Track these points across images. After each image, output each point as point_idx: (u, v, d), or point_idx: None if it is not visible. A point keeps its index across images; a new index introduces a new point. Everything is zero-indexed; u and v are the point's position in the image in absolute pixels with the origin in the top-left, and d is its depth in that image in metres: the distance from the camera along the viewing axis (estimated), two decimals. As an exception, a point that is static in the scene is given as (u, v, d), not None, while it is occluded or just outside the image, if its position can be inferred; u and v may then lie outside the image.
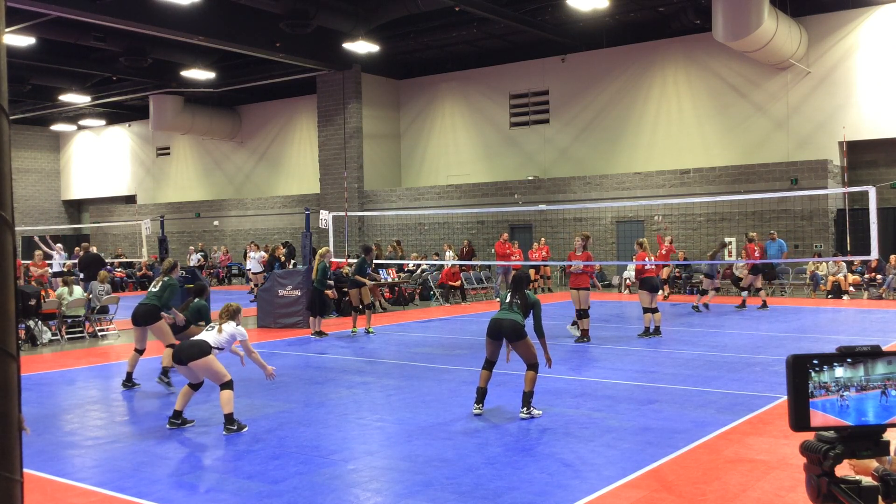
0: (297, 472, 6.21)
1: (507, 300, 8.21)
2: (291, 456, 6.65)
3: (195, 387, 7.87)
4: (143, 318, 9.89)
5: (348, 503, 5.52)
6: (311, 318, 14.89)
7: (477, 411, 8.05)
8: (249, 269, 25.26)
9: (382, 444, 7.08)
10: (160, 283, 10.19)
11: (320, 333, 14.62)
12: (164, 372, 9.94)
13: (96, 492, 5.89)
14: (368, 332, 14.81)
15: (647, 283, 13.74)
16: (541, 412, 7.95)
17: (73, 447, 7.21)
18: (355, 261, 15.94)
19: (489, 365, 8.14)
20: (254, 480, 6.00)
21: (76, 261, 19.42)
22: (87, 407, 9.08)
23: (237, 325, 7.96)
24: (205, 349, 7.61)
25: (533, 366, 7.91)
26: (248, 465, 6.44)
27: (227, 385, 7.62)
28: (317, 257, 14.83)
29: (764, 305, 17.78)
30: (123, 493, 5.79)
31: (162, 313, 9.93)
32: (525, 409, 7.86)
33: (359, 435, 7.41)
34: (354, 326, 15.17)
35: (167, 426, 7.81)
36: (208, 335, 7.83)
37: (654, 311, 13.62)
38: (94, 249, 21.00)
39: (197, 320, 9.77)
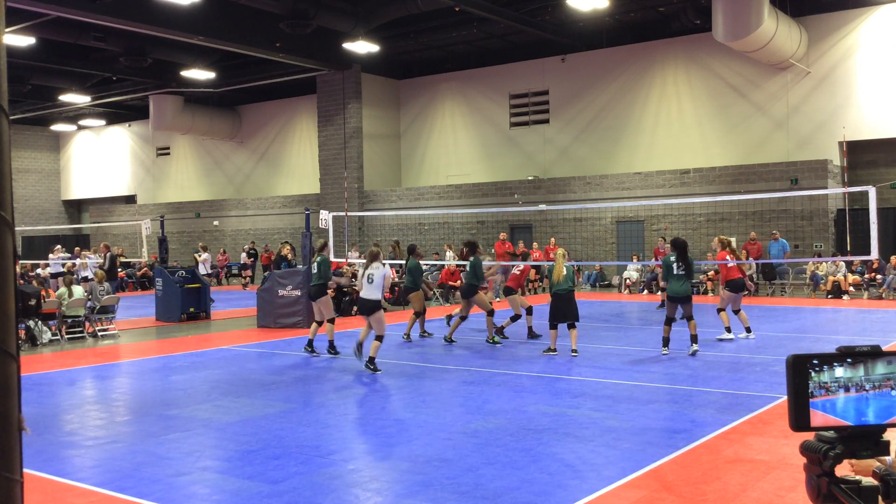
0: (297, 472, 6.20)
1: (676, 272, 11.23)
2: (291, 456, 6.64)
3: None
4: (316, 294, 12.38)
5: (348, 503, 5.52)
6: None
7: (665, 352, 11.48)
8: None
9: (382, 444, 7.08)
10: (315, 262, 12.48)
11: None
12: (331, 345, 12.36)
13: (96, 492, 5.89)
14: None
15: (733, 283, 13.07)
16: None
17: (73, 447, 7.21)
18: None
19: (670, 321, 11.59)
20: (254, 480, 6.00)
21: (101, 261, 19.30)
22: (87, 407, 9.08)
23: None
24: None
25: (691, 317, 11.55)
26: (248, 465, 6.43)
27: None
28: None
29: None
30: (123, 493, 5.79)
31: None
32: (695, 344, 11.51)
33: (359, 435, 7.41)
34: None
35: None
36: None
37: (738, 311, 13.15)
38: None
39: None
